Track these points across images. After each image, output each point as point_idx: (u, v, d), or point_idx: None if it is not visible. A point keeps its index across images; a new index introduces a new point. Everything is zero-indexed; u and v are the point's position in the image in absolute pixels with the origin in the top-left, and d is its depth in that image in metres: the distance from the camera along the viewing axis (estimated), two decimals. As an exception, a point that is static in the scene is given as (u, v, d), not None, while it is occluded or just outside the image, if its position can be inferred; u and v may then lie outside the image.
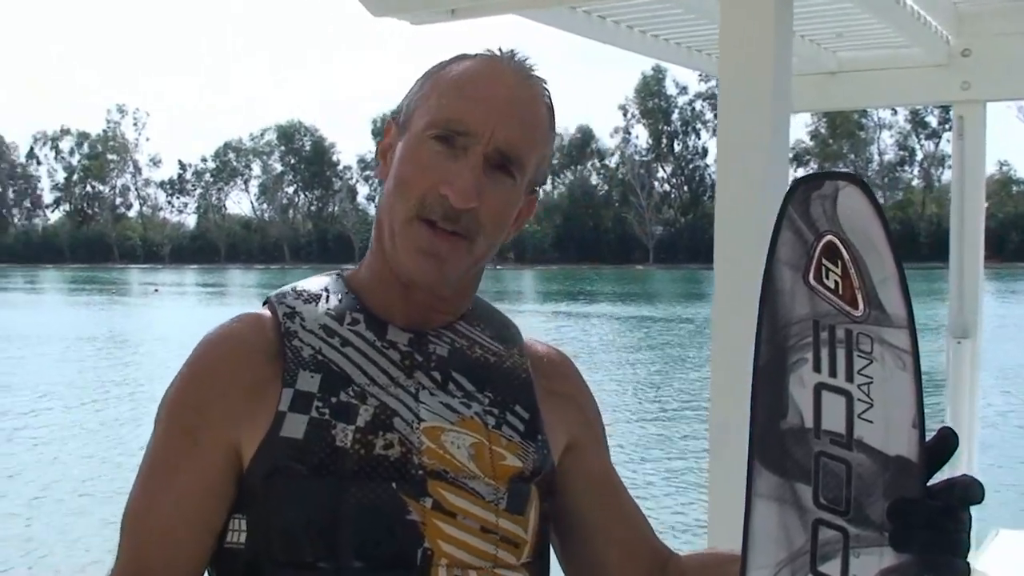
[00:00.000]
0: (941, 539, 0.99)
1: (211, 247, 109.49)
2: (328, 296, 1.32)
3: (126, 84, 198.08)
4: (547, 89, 1.34)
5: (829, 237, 1.02)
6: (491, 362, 1.34)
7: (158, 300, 50.98)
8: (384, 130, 1.37)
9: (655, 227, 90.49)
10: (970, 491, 1.00)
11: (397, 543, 1.19)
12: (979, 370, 5.29)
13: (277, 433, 1.21)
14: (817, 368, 1.03)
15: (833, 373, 1.02)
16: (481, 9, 3.43)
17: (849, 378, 1.01)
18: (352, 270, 1.39)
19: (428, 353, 1.30)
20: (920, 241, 76.86)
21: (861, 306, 1.01)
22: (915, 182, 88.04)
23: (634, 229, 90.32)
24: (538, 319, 32.85)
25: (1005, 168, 79.49)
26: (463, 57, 1.33)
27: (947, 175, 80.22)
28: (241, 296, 55.92)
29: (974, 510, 1.02)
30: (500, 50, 1.34)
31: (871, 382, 1.01)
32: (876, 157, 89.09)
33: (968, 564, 1.00)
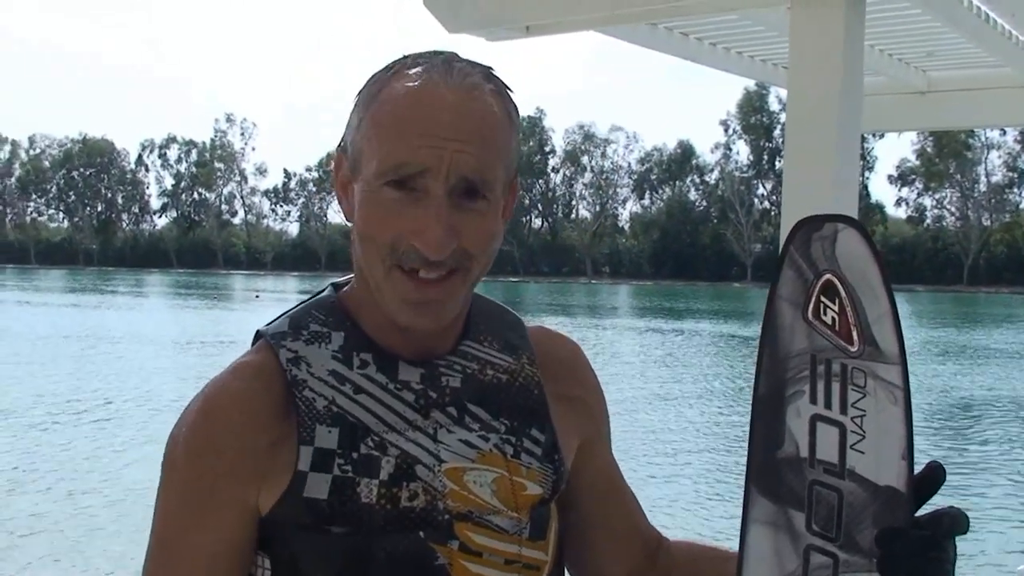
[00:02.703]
0: (927, 568, 1.02)
1: (312, 255, 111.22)
2: (331, 335, 1.27)
3: (236, 91, 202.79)
4: (493, 82, 1.23)
5: (828, 276, 1.08)
6: (503, 382, 1.31)
7: (259, 306, 52.05)
8: (335, 163, 1.29)
9: (754, 244, 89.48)
10: (957, 522, 1.04)
11: None
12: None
13: (299, 493, 1.18)
14: (813, 400, 1.08)
15: (828, 405, 1.07)
16: (557, 26, 3.48)
17: (843, 411, 1.06)
18: (346, 290, 1.33)
19: (441, 387, 1.26)
20: (1030, 264, 74.72)
21: (856, 342, 1.06)
22: (1023, 205, 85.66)
23: (732, 246, 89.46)
24: (631, 335, 32.80)
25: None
26: (394, 76, 1.21)
27: (1059, 197, 77.99)
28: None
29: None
30: (433, 57, 1.22)
31: (864, 415, 1.05)
32: (983, 178, 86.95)
33: None
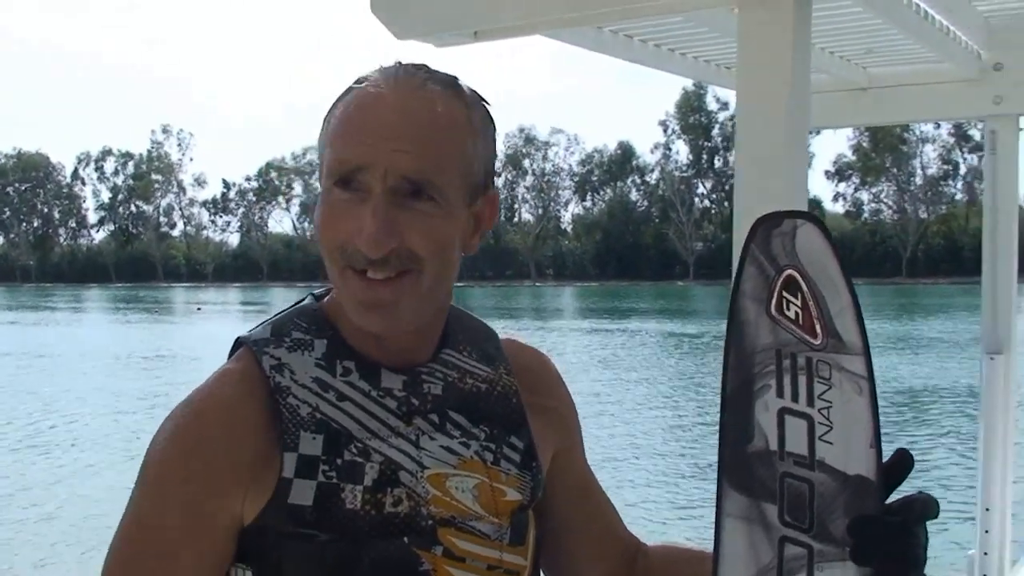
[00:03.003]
0: (900, 554, 1.04)
1: (253, 266, 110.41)
2: (313, 342, 1.26)
3: (170, 103, 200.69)
4: (454, 89, 1.24)
5: (789, 271, 1.09)
6: (483, 391, 1.33)
7: (201, 319, 51.51)
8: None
9: (695, 243, 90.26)
10: (927, 507, 1.06)
11: None
12: (1013, 385, 5.29)
13: (284, 499, 1.17)
14: (780, 394, 1.09)
15: (795, 398, 1.09)
16: (504, 31, 3.49)
17: (810, 403, 1.08)
18: (327, 299, 1.34)
19: (423, 395, 1.28)
20: (964, 256, 76.10)
21: (820, 335, 1.08)
22: (958, 196, 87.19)
23: (674, 245, 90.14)
24: (576, 335, 32.88)
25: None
26: (352, 87, 1.24)
27: (991, 188, 79.47)
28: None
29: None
30: (397, 67, 1.24)
31: (831, 406, 1.07)
32: (919, 171, 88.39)
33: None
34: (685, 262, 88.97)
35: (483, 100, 1.28)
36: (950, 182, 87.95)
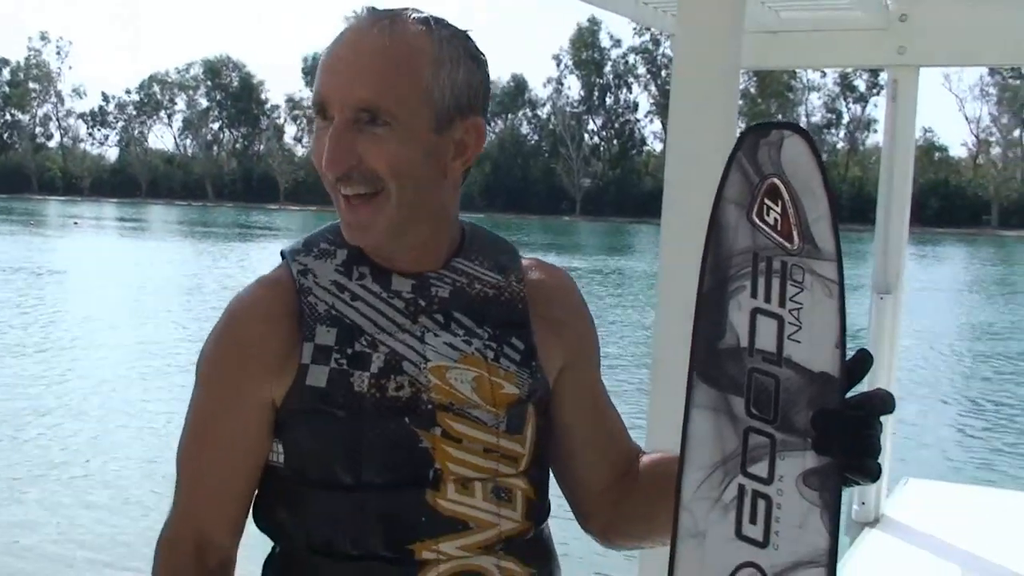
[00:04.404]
0: (858, 443, 1.13)
1: (132, 182, 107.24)
2: (336, 251, 1.43)
3: (50, 9, 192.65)
4: (421, 23, 1.37)
5: (773, 179, 1.16)
6: (490, 296, 1.45)
7: (78, 232, 50.15)
8: None
9: (583, 179, 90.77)
10: (884, 403, 1.15)
11: (412, 466, 1.37)
12: (900, 322, 5.54)
13: (304, 382, 1.36)
14: (754, 295, 1.17)
15: (768, 299, 1.16)
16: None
17: (782, 304, 1.16)
18: None
19: (431, 297, 1.42)
20: (841, 203, 78.17)
21: (796, 241, 1.15)
22: (840, 145, 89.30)
23: (562, 181, 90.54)
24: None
25: (929, 135, 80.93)
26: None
27: (872, 140, 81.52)
28: (163, 232, 55.24)
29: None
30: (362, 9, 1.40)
31: (801, 308, 1.15)
32: (803, 119, 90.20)
33: (880, 465, 1.14)
34: (572, 198, 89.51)
35: (459, 35, 1.40)
36: (833, 131, 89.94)
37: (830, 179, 1.15)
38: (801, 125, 1.18)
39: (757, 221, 1.17)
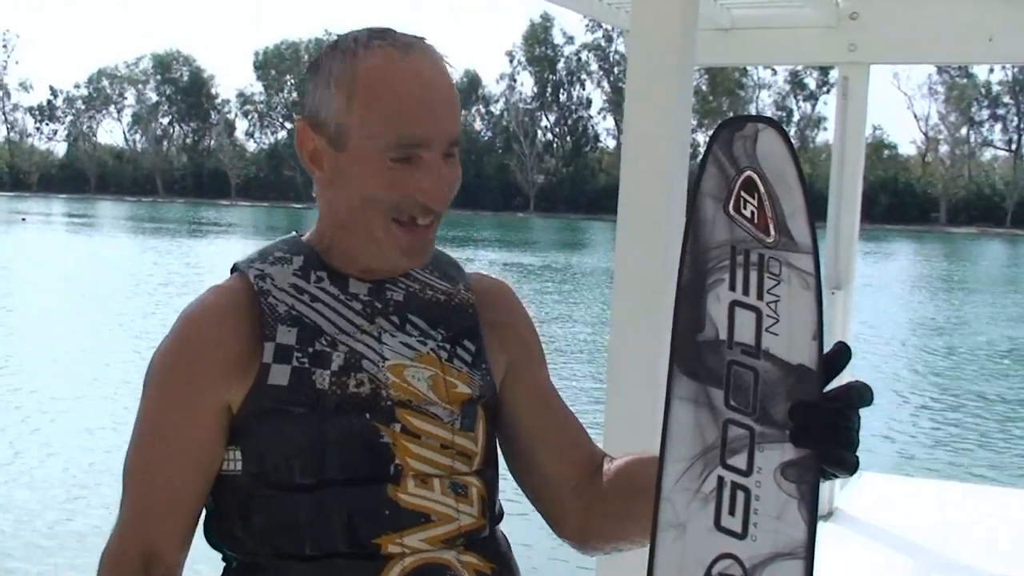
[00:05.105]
0: (835, 436, 1.14)
1: (81, 177, 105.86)
2: (292, 258, 1.46)
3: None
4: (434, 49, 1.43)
5: (748, 173, 1.17)
6: (441, 301, 1.51)
7: (25, 229, 49.44)
8: (298, 135, 1.43)
9: (537, 176, 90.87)
10: (862, 395, 1.16)
11: (374, 461, 1.39)
12: (851, 318, 5.60)
13: (264, 382, 1.37)
14: (732, 287, 1.17)
15: (746, 292, 1.17)
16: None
17: (760, 296, 1.16)
18: (307, 235, 1.51)
19: (386, 300, 1.46)
20: (792, 200, 78.61)
21: (773, 234, 1.16)
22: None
23: (516, 177, 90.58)
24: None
25: (878, 132, 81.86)
26: (366, 56, 1.38)
27: (821, 137, 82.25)
28: (112, 228, 54.58)
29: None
30: (387, 35, 1.40)
31: (778, 300, 1.15)
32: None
33: (858, 457, 1.15)
34: (526, 194, 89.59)
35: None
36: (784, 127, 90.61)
37: (804, 172, 1.16)
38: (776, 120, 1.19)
39: (734, 214, 1.17)
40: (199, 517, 1.43)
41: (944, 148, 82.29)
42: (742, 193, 1.17)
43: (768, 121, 1.16)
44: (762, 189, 1.16)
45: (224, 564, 1.46)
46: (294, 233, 1.54)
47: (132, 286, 25.19)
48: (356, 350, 1.41)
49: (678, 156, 2.56)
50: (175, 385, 1.40)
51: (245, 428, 1.39)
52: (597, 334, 18.02)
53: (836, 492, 5.58)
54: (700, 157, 1.19)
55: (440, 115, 1.38)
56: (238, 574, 1.43)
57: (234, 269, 1.48)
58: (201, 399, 1.38)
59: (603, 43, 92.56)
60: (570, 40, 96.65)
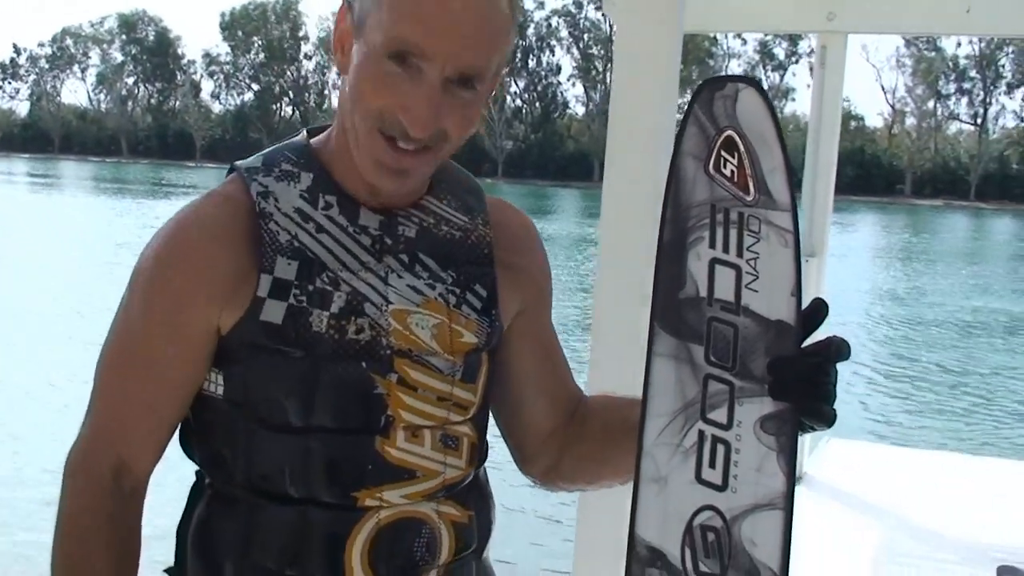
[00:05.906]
0: (814, 389, 1.16)
1: (44, 137, 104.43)
2: (300, 175, 1.35)
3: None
4: None
5: (728, 132, 1.18)
6: (456, 238, 1.42)
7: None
8: (338, 14, 1.33)
9: (505, 142, 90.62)
10: (840, 349, 1.17)
11: (365, 412, 1.33)
12: (824, 284, 5.66)
13: (256, 316, 1.29)
14: (712, 245, 1.19)
15: (726, 249, 1.18)
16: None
17: (739, 254, 1.18)
18: (321, 137, 1.41)
19: (397, 236, 1.37)
20: (760, 169, 78.87)
21: (752, 192, 1.18)
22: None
23: (484, 143, 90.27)
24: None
25: (846, 104, 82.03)
26: None
27: (789, 108, 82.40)
28: (75, 188, 54.00)
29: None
30: None
31: (758, 257, 1.17)
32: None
33: (835, 410, 1.17)
34: (494, 160, 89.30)
35: None
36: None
37: (783, 131, 1.17)
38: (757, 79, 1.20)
39: (714, 173, 1.18)
40: (174, 431, 1.37)
41: (911, 121, 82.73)
42: (722, 152, 1.18)
43: (748, 80, 1.17)
44: (742, 148, 1.17)
45: (196, 479, 1.42)
46: (304, 133, 1.42)
47: (86, 244, 24.97)
48: (359, 291, 1.32)
49: (666, 120, 2.58)
50: (162, 300, 1.32)
51: (231, 356, 1.32)
52: (566, 299, 18.01)
53: (804, 457, 5.65)
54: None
55: (449, 31, 1.23)
56: (213, 504, 1.37)
57: (232, 170, 1.38)
58: (187, 318, 1.30)
59: (573, 9, 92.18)
60: (540, 5, 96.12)
